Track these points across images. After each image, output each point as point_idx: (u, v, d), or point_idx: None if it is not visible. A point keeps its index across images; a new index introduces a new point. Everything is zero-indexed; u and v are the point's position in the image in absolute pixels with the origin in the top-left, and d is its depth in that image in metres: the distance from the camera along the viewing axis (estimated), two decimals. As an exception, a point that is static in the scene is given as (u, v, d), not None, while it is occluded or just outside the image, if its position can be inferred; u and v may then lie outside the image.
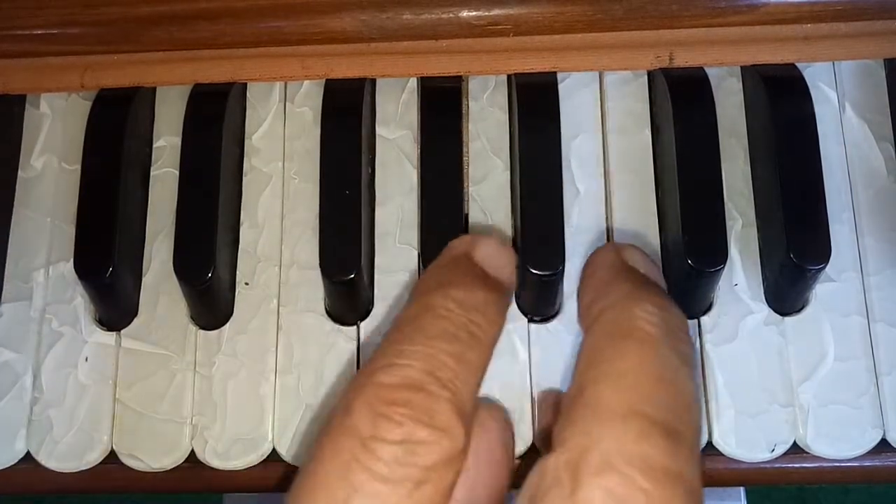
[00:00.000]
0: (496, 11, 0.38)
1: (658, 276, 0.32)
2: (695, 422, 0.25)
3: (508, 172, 0.38)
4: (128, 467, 0.36)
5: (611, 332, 0.27)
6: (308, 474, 0.25)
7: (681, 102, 0.37)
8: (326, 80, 0.39)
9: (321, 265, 0.35)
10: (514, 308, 0.36)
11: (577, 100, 0.39)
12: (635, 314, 0.27)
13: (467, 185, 0.38)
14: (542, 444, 0.34)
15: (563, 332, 0.36)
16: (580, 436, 0.24)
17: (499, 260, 0.31)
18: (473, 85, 0.39)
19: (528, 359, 0.36)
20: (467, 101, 0.39)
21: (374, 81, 0.40)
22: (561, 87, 0.39)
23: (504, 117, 0.39)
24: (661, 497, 0.22)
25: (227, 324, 0.37)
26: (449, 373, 0.26)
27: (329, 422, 0.26)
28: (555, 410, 0.31)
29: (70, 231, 0.38)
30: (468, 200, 0.38)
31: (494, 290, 0.30)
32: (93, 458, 0.36)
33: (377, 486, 0.24)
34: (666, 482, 0.23)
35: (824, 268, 0.34)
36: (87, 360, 0.37)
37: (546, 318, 0.36)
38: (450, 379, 0.26)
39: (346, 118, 0.38)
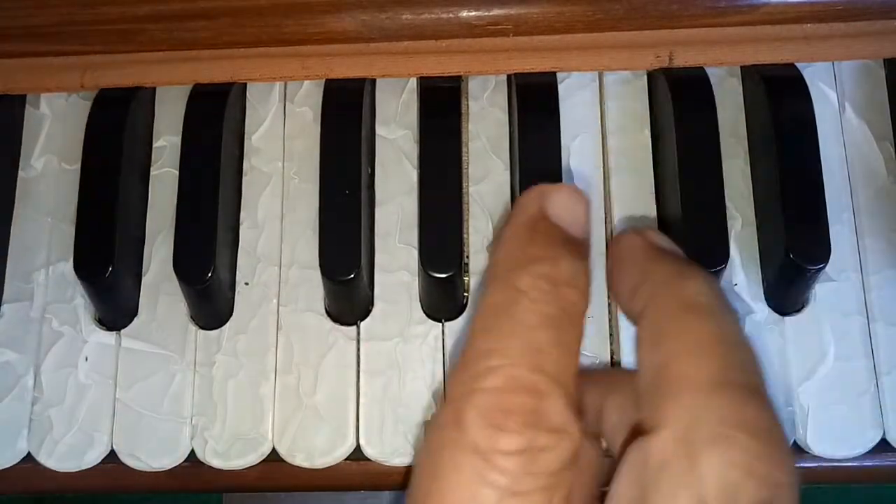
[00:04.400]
0: (496, 11, 0.38)
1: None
2: (762, 373, 0.26)
3: (508, 172, 0.38)
4: (128, 467, 0.36)
5: (670, 311, 0.27)
6: (429, 493, 0.24)
7: (681, 102, 0.37)
8: (326, 79, 0.39)
9: (321, 265, 0.35)
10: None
11: (577, 99, 0.39)
12: (688, 290, 0.27)
13: (467, 185, 0.38)
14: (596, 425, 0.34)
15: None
16: (682, 411, 0.24)
17: (574, 211, 0.29)
18: (473, 85, 0.39)
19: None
20: (467, 101, 0.39)
21: (374, 81, 0.40)
22: (561, 86, 0.39)
23: (504, 117, 0.39)
24: (768, 453, 0.23)
25: (227, 324, 0.37)
26: (555, 364, 0.25)
27: (438, 432, 0.25)
28: (600, 390, 0.30)
29: (70, 231, 0.38)
30: (468, 200, 0.38)
31: (578, 254, 0.28)
32: (93, 457, 0.36)
33: (508, 501, 0.23)
34: (767, 438, 0.24)
35: (824, 268, 0.34)
36: (87, 359, 0.37)
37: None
38: (557, 371, 0.25)
39: (345, 118, 0.38)
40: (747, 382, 0.25)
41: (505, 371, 0.25)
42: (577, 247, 0.28)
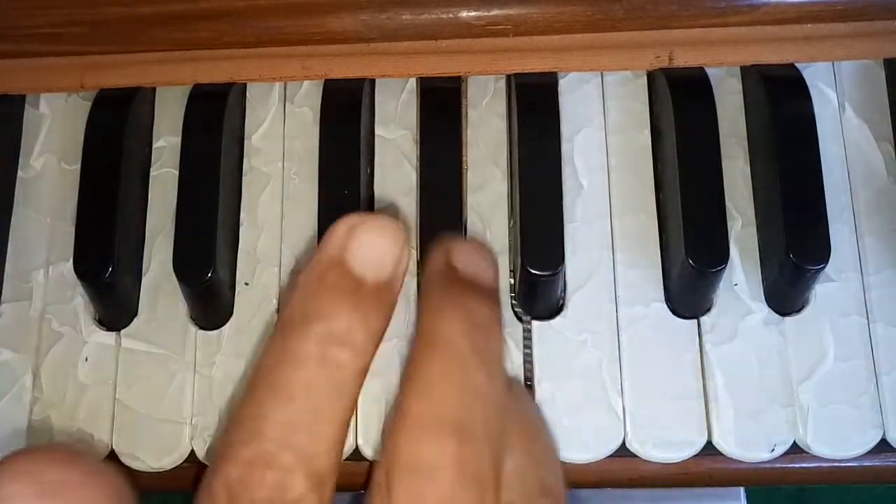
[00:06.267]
0: (496, 12, 0.38)
1: (488, 269, 0.31)
2: (487, 412, 0.27)
3: (506, 181, 0.38)
4: (128, 467, 0.36)
5: (421, 342, 0.28)
6: None
7: (681, 102, 0.37)
8: (326, 80, 0.39)
9: (321, 265, 0.35)
10: (507, 312, 0.36)
11: (579, 94, 0.39)
12: (438, 323, 0.28)
13: (465, 191, 0.38)
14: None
15: (568, 329, 0.36)
16: (391, 445, 0.26)
17: (380, 250, 0.28)
18: (472, 92, 0.39)
19: (523, 361, 0.36)
20: (466, 108, 0.39)
21: (373, 81, 0.40)
22: (562, 82, 0.39)
23: (502, 125, 0.39)
24: (451, 488, 0.25)
25: (227, 324, 0.37)
26: (304, 437, 0.26)
27: (204, 492, 0.27)
28: None
29: (70, 231, 0.38)
30: (466, 209, 0.38)
31: (364, 305, 0.28)
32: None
33: None
34: (455, 475, 0.25)
35: (824, 268, 0.34)
36: (86, 360, 0.37)
37: (549, 316, 0.36)
38: (305, 446, 0.26)
39: (345, 118, 0.38)
40: (454, 422, 0.26)
41: (255, 442, 0.26)
42: (372, 295, 0.28)
